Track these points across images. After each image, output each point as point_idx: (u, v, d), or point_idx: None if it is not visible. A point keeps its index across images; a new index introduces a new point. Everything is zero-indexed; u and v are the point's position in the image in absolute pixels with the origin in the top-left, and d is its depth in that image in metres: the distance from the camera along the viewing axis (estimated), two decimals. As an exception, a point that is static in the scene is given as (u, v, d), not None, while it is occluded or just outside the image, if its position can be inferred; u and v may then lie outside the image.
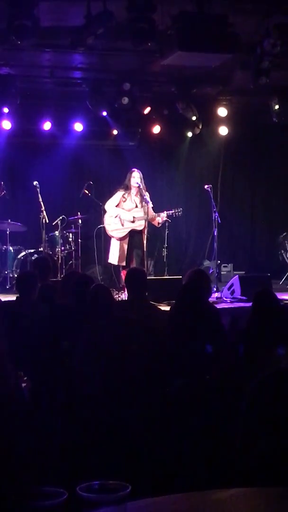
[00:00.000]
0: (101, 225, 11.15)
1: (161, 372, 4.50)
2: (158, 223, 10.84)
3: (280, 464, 2.42)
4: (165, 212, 10.82)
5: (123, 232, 10.72)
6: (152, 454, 3.12)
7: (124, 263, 10.68)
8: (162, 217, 10.77)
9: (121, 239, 10.75)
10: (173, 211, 10.88)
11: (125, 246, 10.74)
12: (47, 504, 1.80)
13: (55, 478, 1.93)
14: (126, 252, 10.72)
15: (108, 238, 11.17)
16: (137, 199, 10.72)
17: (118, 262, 10.75)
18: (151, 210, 10.63)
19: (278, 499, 2.16)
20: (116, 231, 10.76)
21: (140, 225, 10.66)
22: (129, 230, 10.69)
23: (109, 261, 11.00)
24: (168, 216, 10.91)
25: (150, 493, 2.15)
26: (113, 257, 10.82)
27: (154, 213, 10.68)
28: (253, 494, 2.23)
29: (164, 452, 3.14)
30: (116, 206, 10.74)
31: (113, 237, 10.84)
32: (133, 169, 10.76)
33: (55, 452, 3.03)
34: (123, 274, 10.36)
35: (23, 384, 3.55)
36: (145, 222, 10.64)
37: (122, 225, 10.69)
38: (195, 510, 2.01)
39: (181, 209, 10.97)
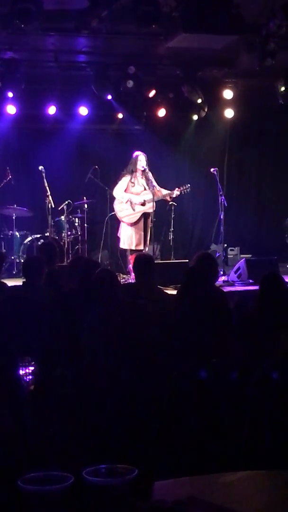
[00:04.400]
0: (112, 213, 11.03)
1: (168, 356, 4.50)
2: (171, 197, 10.78)
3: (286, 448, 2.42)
4: (177, 188, 10.77)
5: (135, 216, 10.66)
6: (159, 437, 3.13)
7: (142, 247, 10.58)
8: (176, 194, 10.72)
9: (133, 224, 10.68)
10: (182, 188, 10.82)
11: (141, 231, 10.67)
12: (54, 489, 1.80)
13: (62, 462, 1.93)
14: (143, 236, 10.66)
15: (115, 223, 11.11)
16: (144, 182, 10.69)
17: (136, 246, 10.61)
18: (161, 190, 10.60)
19: (284, 482, 2.16)
20: (128, 216, 10.68)
21: (150, 207, 10.62)
22: (141, 213, 10.63)
23: (122, 246, 10.90)
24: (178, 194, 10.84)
25: (157, 476, 2.15)
26: (128, 242, 10.68)
27: (166, 191, 10.65)
28: (260, 477, 2.23)
29: (171, 435, 3.15)
30: (124, 191, 10.69)
31: (124, 222, 10.75)
32: (138, 153, 10.71)
33: (61, 436, 3.04)
34: (131, 258, 10.32)
35: (30, 369, 3.56)
36: (154, 204, 10.59)
37: (134, 209, 10.64)
38: (202, 493, 2.01)
39: (188, 185, 10.91)
